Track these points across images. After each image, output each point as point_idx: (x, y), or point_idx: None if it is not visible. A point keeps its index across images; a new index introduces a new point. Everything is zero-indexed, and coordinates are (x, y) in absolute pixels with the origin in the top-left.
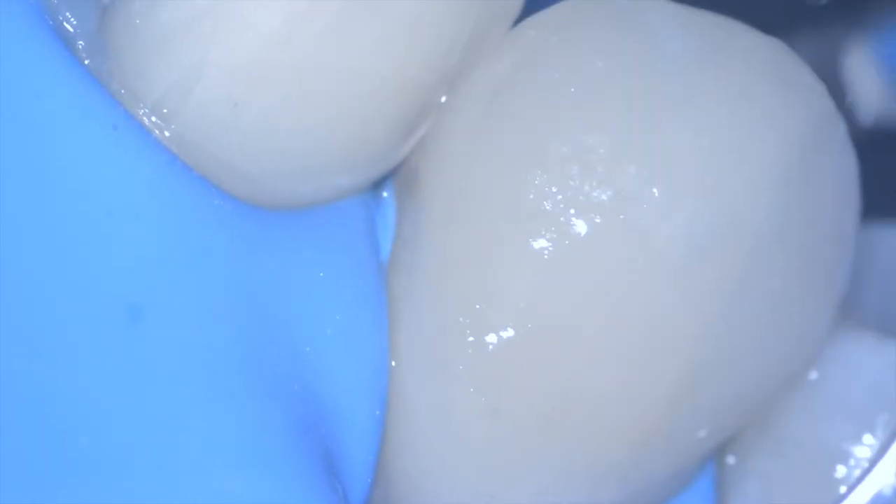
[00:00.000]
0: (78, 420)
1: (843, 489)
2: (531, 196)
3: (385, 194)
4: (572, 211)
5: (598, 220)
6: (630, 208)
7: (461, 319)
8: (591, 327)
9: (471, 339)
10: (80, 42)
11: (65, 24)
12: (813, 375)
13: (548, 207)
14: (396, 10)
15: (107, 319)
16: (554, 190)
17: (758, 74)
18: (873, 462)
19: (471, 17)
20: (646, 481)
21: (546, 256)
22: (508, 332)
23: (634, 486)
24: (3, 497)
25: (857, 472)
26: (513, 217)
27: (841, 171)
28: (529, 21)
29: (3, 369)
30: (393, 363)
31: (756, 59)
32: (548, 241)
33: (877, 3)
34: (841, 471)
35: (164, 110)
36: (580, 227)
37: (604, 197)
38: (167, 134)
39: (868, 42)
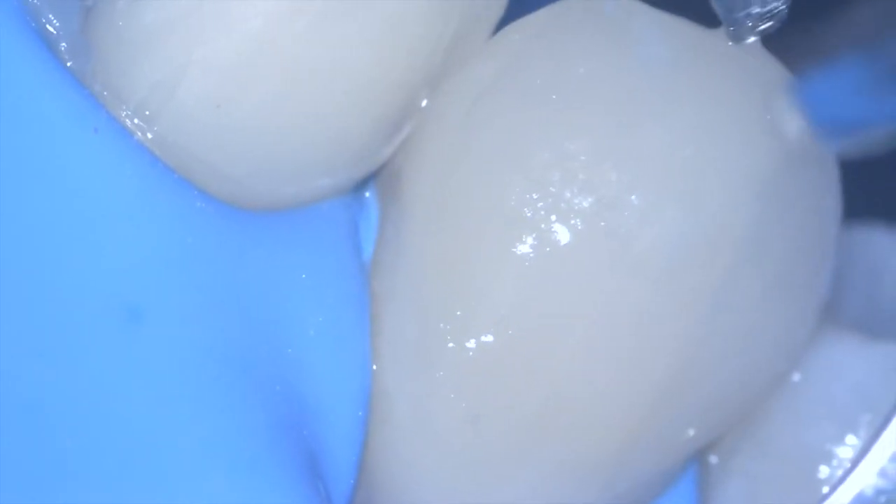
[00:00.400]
0: (68, 420)
1: (825, 489)
2: (513, 202)
3: (367, 195)
4: (553, 217)
5: (579, 227)
6: (611, 215)
7: (442, 325)
8: (573, 333)
9: (451, 344)
10: (63, 43)
11: (47, 25)
12: (796, 377)
13: (529, 214)
14: (380, 10)
15: (92, 321)
16: (535, 196)
17: (739, 81)
18: (855, 462)
19: (454, 17)
20: (630, 483)
21: (527, 263)
22: (489, 338)
23: (619, 488)
24: (5, 496)
25: (840, 472)
26: (494, 223)
27: (822, 175)
28: (513, 26)
29: (2, 368)
30: (375, 365)
31: (737, 67)
32: (529, 247)
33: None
34: (824, 471)
35: (147, 112)
36: (561, 233)
37: (585, 204)
38: (150, 136)
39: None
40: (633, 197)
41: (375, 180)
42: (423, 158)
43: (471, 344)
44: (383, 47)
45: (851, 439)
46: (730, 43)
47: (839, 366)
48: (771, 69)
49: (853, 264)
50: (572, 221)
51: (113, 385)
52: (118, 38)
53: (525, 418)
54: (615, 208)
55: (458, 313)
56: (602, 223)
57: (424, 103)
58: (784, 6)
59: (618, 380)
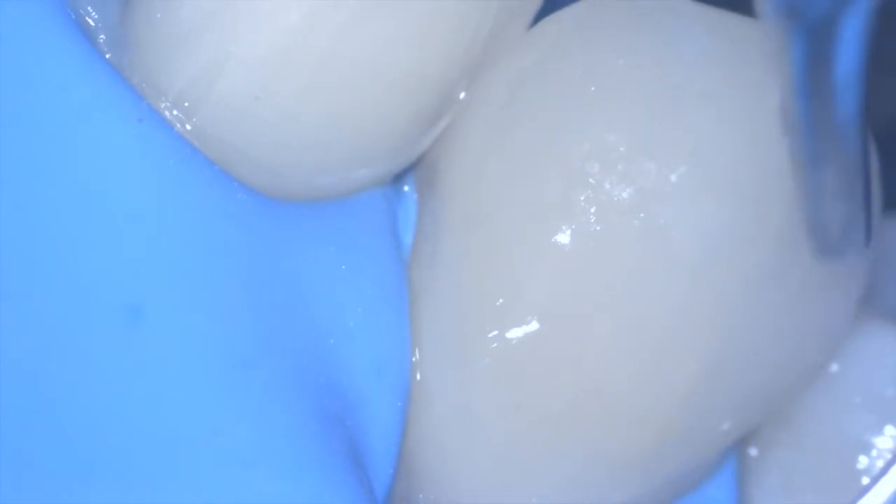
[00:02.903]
0: (96, 419)
1: (865, 480)
2: (551, 193)
3: (406, 188)
4: (593, 208)
5: (618, 219)
6: (650, 206)
7: (481, 316)
8: (611, 323)
9: (491, 335)
10: (102, 35)
11: (86, 17)
12: (834, 367)
13: (568, 204)
14: (416, 3)
15: (120, 317)
16: (574, 187)
17: (773, 69)
18: None
19: (491, 9)
20: (669, 474)
21: (566, 253)
22: (528, 329)
23: (657, 478)
24: (9, 496)
25: (881, 463)
26: (532, 214)
27: None
28: (550, 18)
29: (6, 367)
30: (415, 356)
31: (771, 57)
32: (568, 238)
33: None
34: (863, 462)
35: (186, 104)
36: (600, 224)
37: (624, 195)
38: (189, 127)
39: None
40: (672, 188)
41: (414, 171)
42: (461, 150)
43: (510, 334)
44: (421, 39)
45: (891, 429)
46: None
47: (877, 356)
48: None
49: (891, 254)
50: (611, 213)
51: (147, 382)
52: (156, 30)
53: (563, 409)
54: (654, 199)
55: (498, 304)
56: (641, 214)
57: (462, 95)
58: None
59: (654, 370)
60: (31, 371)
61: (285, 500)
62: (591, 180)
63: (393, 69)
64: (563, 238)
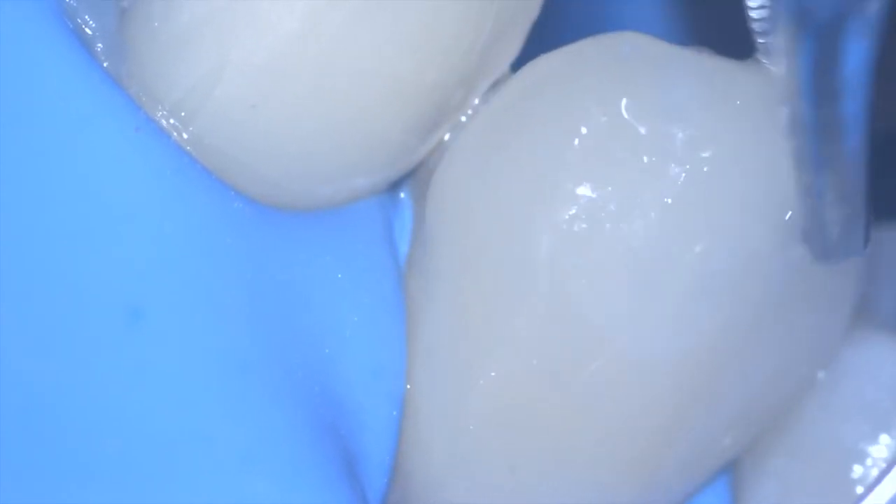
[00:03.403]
0: (96, 422)
1: (860, 489)
2: (537, 248)
3: (402, 195)
4: (581, 277)
5: (607, 269)
6: (639, 258)
7: (476, 328)
8: (605, 342)
9: (485, 347)
10: (99, 44)
11: (83, 26)
12: (829, 377)
13: (555, 262)
14: (415, 11)
15: (118, 322)
16: (561, 245)
17: (766, 117)
18: (891, 462)
19: (488, 19)
20: (666, 491)
21: (558, 277)
22: (523, 343)
23: (652, 491)
24: (8, 496)
25: (875, 472)
26: (514, 268)
27: None
28: (543, 58)
29: (6, 368)
30: (410, 365)
31: (763, 102)
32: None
33: None
34: (858, 471)
35: (183, 112)
36: (590, 288)
37: (617, 250)
38: (185, 136)
39: None
40: (665, 241)
41: (410, 180)
42: (455, 163)
43: (505, 348)
44: (418, 48)
45: (885, 438)
46: (756, 75)
47: (872, 365)
48: None
49: (885, 263)
50: (602, 273)
51: (147, 389)
52: (154, 39)
53: (558, 424)
54: (644, 252)
55: (492, 319)
56: (633, 265)
57: (458, 103)
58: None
59: (647, 392)
60: (29, 373)
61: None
62: (577, 242)
63: (390, 77)
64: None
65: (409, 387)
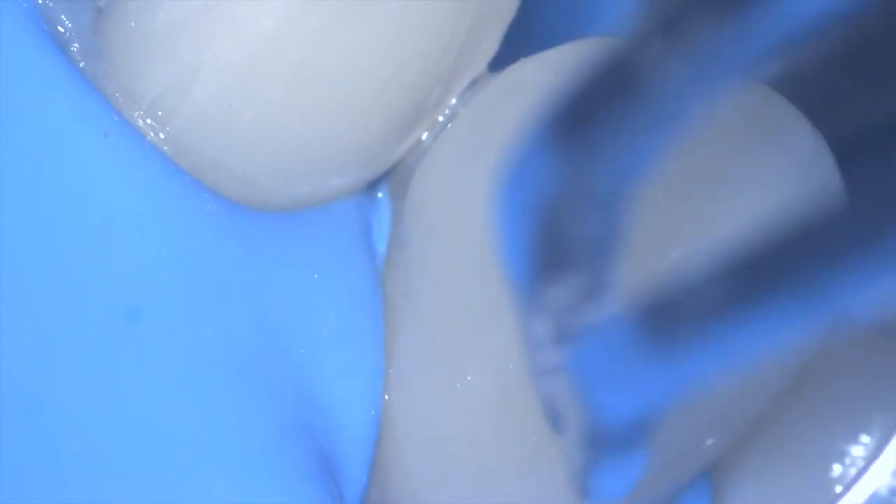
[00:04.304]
0: (71, 422)
1: (838, 489)
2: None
3: (380, 195)
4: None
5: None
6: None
7: (455, 329)
8: None
9: (465, 349)
10: (75, 44)
11: (58, 26)
12: (808, 375)
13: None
14: (391, 10)
15: (101, 325)
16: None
17: (757, 132)
18: (869, 461)
19: (465, 18)
20: (651, 495)
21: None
22: (500, 343)
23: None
24: (7, 496)
25: (853, 472)
26: (497, 276)
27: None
28: (526, 61)
29: (1, 370)
30: (388, 364)
31: (755, 117)
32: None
33: None
34: (837, 470)
35: (160, 112)
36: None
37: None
38: (162, 136)
39: None
40: (651, 242)
41: (388, 180)
42: (432, 164)
43: (484, 350)
44: (395, 47)
45: (864, 438)
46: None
47: (852, 364)
48: (777, 106)
49: None
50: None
51: (122, 388)
52: (130, 38)
53: (537, 426)
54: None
55: (471, 318)
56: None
57: (435, 102)
58: None
59: None
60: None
61: None
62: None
63: (367, 77)
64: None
65: (386, 386)
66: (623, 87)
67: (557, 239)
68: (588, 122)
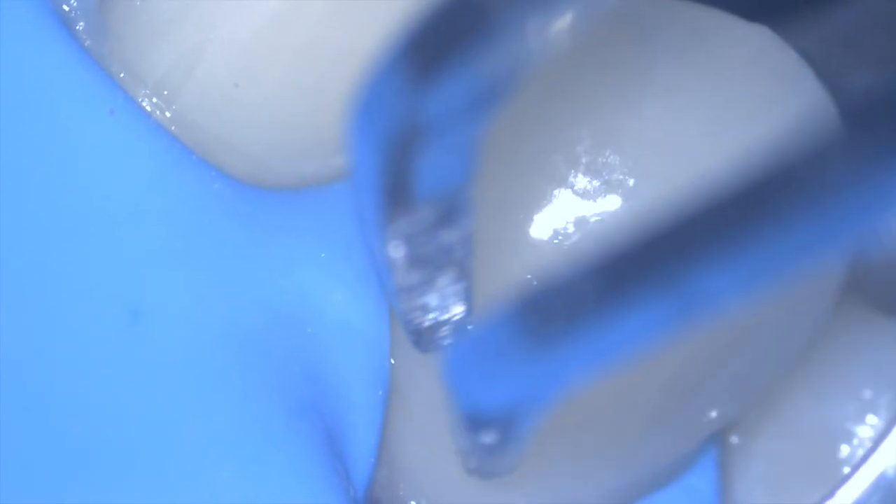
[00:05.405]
0: (78, 417)
1: (846, 469)
2: (518, 188)
3: None
4: (560, 198)
5: (584, 210)
6: (615, 197)
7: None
8: None
9: (470, 325)
10: (81, 23)
11: (64, 5)
12: (816, 355)
13: (535, 197)
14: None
15: (109, 304)
16: (539, 178)
17: (744, 64)
18: (877, 442)
19: None
20: (649, 468)
21: (539, 245)
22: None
23: (638, 473)
24: (8, 496)
25: (861, 453)
26: (503, 209)
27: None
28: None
29: (3, 368)
30: (394, 342)
31: (742, 49)
32: (541, 231)
33: None
34: (845, 451)
35: (166, 91)
36: (566, 215)
37: (589, 187)
38: (168, 115)
39: None
40: (637, 178)
41: None
42: None
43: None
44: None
45: (872, 419)
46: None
47: (859, 345)
48: (782, 53)
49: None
50: (577, 204)
51: (129, 365)
52: (136, 17)
53: None
54: (620, 190)
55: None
56: (608, 206)
57: None
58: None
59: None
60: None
61: (255, 490)
62: (556, 172)
63: (372, 55)
64: (537, 232)
65: (392, 365)
66: (471, 20)
67: (407, 171)
68: (437, 52)
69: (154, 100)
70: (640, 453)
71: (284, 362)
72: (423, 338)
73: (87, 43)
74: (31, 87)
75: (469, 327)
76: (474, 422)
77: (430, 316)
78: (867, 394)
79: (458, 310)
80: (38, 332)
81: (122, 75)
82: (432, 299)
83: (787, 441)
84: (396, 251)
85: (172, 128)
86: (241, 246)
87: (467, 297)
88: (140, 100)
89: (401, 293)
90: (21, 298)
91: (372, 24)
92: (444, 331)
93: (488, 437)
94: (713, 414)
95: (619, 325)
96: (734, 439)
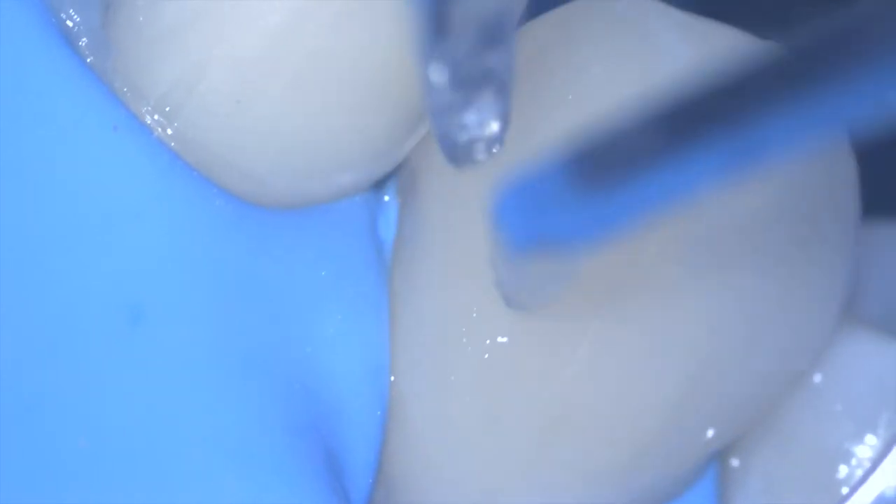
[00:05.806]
0: (77, 421)
1: (845, 490)
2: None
3: (387, 197)
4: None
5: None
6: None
7: (459, 325)
8: (586, 336)
9: (468, 346)
10: (84, 39)
11: (67, 21)
12: (816, 375)
13: None
14: (397, 6)
15: (108, 321)
16: None
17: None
18: (876, 462)
19: None
20: (647, 486)
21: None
22: (504, 340)
23: (635, 492)
24: (8, 497)
25: (860, 473)
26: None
27: (839, 172)
28: (534, 23)
29: (4, 371)
30: (394, 361)
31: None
32: None
33: None
34: (843, 471)
35: (167, 108)
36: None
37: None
38: (170, 132)
39: None
40: None
41: (395, 177)
42: (438, 155)
43: (487, 345)
44: (403, 42)
45: (871, 439)
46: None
47: (859, 364)
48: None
49: (873, 261)
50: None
51: (129, 386)
52: (139, 33)
53: (541, 421)
54: None
55: (475, 315)
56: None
57: None
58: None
59: (632, 383)
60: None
61: None
62: None
63: (375, 72)
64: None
65: (392, 385)
66: None
67: None
68: None
69: (156, 116)
70: (637, 473)
71: (284, 381)
72: (458, 151)
73: (90, 59)
74: (35, 102)
75: (523, 169)
76: (517, 255)
77: (468, 132)
78: (866, 413)
79: (495, 126)
80: (37, 342)
81: (124, 91)
82: (470, 116)
83: (785, 460)
84: (440, 75)
85: (174, 145)
86: (241, 264)
87: (506, 115)
88: (142, 116)
89: (440, 111)
90: (23, 315)
91: (375, 42)
92: (480, 146)
93: (531, 268)
94: (711, 434)
95: (674, 172)
96: (733, 459)
